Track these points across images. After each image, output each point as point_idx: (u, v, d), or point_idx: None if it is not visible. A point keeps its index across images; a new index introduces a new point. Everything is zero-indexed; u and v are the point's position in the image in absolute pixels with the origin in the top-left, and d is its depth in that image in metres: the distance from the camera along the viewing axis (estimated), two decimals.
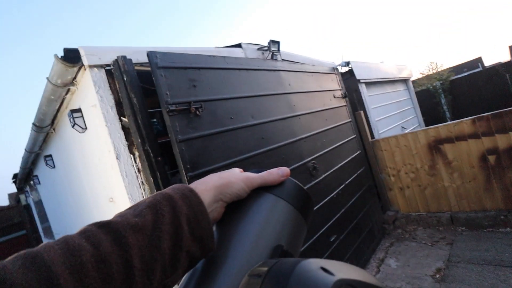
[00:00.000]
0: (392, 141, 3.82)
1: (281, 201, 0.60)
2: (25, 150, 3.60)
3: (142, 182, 1.76)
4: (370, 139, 3.97)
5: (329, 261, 0.46)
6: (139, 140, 1.73)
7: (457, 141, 3.43)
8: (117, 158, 1.76)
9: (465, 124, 3.35)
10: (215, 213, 0.44)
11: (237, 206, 0.62)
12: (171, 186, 0.40)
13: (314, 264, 0.44)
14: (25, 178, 5.21)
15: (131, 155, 1.76)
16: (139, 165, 1.76)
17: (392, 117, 5.03)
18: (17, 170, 5.16)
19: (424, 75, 11.82)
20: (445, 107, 8.50)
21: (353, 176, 3.48)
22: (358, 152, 3.77)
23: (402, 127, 5.20)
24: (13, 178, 5.69)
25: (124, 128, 1.79)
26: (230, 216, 0.60)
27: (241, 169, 0.51)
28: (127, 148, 1.77)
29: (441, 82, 8.62)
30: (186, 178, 1.69)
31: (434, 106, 8.61)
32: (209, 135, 1.91)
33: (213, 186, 0.43)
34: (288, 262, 0.46)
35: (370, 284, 0.45)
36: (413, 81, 6.83)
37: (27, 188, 6.02)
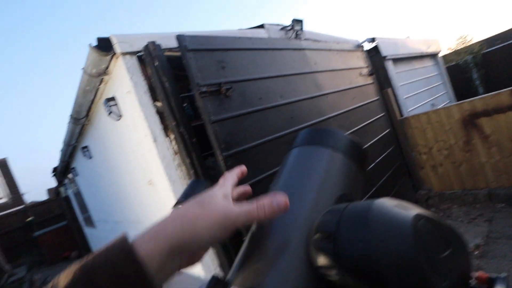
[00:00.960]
0: (423, 118, 3.68)
1: (338, 154, 0.61)
2: (63, 143, 3.81)
3: (179, 163, 1.82)
4: (399, 117, 3.85)
5: (400, 201, 0.46)
6: (174, 123, 1.78)
7: (495, 114, 3.24)
8: (154, 141, 1.83)
9: (503, 95, 3.15)
10: (171, 272, 0.33)
11: (294, 163, 0.63)
12: (109, 245, 0.29)
13: (389, 201, 0.45)
14: (63, 171, 5.54)
15: (167, 138, 1.82)
16: (175, 147, 1.82)
17: (421, 94, 4.82)
18: (56, 164, 5.48)
19: (452, 50, 11.17)
20: (477, 82, 8.01)
21: (383, 155, 3.40)
22: (387, 131, 3.67)
23: (432, 104, 4.98)
24: (53, 172, 6.07)
25: (158, 112, 1.85)
26: (289, 173, 0.61)
27: (227, 188, 0.41)
28: (162, 131, 1.83)
29: (472, 55, 8.11)
30: (221, 158, 1.73)
31: (465, 82, 8.16)
32: (240, 116, 1.93)
33: (167, 243, 0.31)
34: (361, 203, 0.47)
35: (442, 221, 0.45)
36: (441, 57, 6.48)
37: (66, 181, 6.40)
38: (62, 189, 7.74)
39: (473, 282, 0.56)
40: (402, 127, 3.85)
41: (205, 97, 1.77)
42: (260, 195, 0.42)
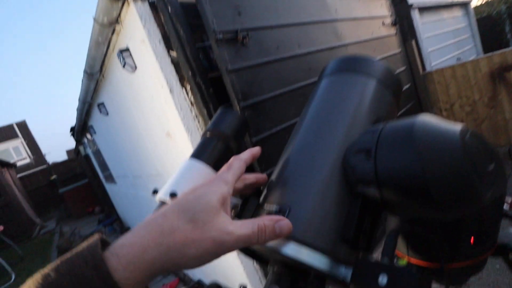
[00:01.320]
0: (448, 72, 3.48)
1: (372, 81, 0.57)
2: (79, 100, 3.85)
3: (196, 115, 1.81)
4: (421, 72, 3.66)
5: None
6: (190, 73, 1.74)
7: None
8: (170, 92, 1.81)
9: None
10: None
11: (326, 91, 0.60)
12: (80, 261, 0.25)
13: (431, 117, 0.42)
14: (81, 130, 5.68)
15: (183, 89, 1.80)
16: (192, 98, 1.80)
17: (447, 47, 4.52)
18: (73, 123, 5.61)
19: (484, 1, 10.25)
20: (509, 36, 7.42)
21: (401, 111, 3.30)
22: (407, 86, 3.52)
23: (458, 58, 4.68)
24: (70, 131, 6.24)
25: (174, 62, 1.80)
26: (321, 101, 0.58)
27: (227, 188, 0.35)
28: (178, 82, 1.80)
29: (507, 5, 7.42)
30: (238, 108, 1.71)
31: (497, 36, 7.58)
32: (257, 65, 1.86)
33: (148, 271, 0.27)
34: (402, 120, 0.44)
35: (485, 138, 0.43)
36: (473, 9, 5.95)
37: (85, 140, 6.60)
38: (81, 148, 8.03)
39: (506, 206, 0.56)
40: (424, 82, 3.67)
41: (221, 45, 1.70)
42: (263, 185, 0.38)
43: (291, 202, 0.41)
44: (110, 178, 5.85)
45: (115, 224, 7.43)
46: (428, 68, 3.91)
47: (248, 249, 0.50)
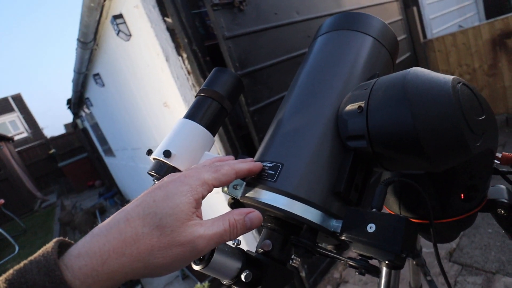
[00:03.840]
0: (448, 39, 3.41)
1: (369, 37, 0.57)
2: (74, 71, 3.77)
3: (193, 84, 1.80)
4: (422, 40, 3.58)
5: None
6: (186, 41, 1.70)
7: None
8: (166, 61, 1.78)
9: None
10: None
11: (322, 48, 0.60)
12: (35, 272, 0.22)
13: (423, 69, 0.42)
14: (78, 102, 5.61)
15: (180, 57, 1.77)
16: (188, 67, 1.77)
17: (449, 14, 4.39)
18: (70, 95, 5.53)
19: None
20: None
21: None
22: (407, 55, 3.46)
23: (460, 25, 4.57)
24: (67, 104, 6.16)
25: (169, 29, 1.76)
26: (317, 57, 0.58)
27: (201, 190, 0.32)
28: (174, 50, 1.76)
29: None
30: None
31: (501, 2, 7.31)
32: (254, 32, 1.82)
33: (109, 283, 0.24)
34: (394, 73, 0.45)
35: (477, 90, 0.43)
36: None
37: (82, 113, 6.54)
38: (79, 122, 7.98)
39: (496, 163, 0.57)
40: (424, 50, 3.61)
41: (217, 10, 1.65)
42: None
43: (284, 159, 0.42)
44: (109, 151, 5.88)
45: (115, 197, 7.55)
46: (429, 36, 3.83)
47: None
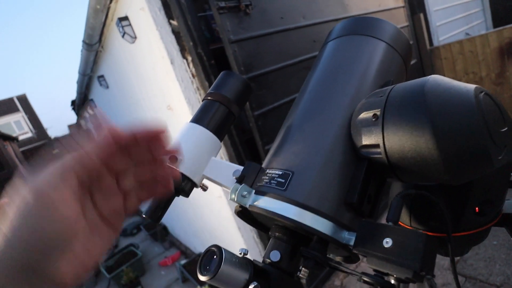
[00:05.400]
0: (455, 47, 3.38)
1: (382, 43, 0.55)
2: (79, 73, 3.78)
3: (197, 87, 1.78)
4: (428, 47, 3.56)
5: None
6: (191, 43, 1.69)
7: None
8: (171, 63, 1.77)
9: None
10: None
11: (333, 53, 0.58)
12: None
13: (443, 77, 0.40)
14: (82, 104, 5.63)
15: (184, 60, 1.76)
16: (193, 70, 1.76)
17: (456, 21, 4.37)
18: (74, 96, 5.55)
19: None
20: None
21: None
22: (413, 62, 3.44)
23: (466, 33, 4.54)
24: (71, 105, 6.19)
25: (175, 32, 1.75)
26: (327, 62, 0.56)
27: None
28: (179, 52, 1.75)
29: None
30: None
31: (508, 10, 7.29)
32: (260, 36, 1.81)
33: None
34: (412, 81, 0.42)
35: (498, 100, 0.41)
36: None
37: (86, 114, 6.55)
38: (83, 122, 8.00)
39: None
40: (430, 57, 3.58)
41: (223, 13, 1.64)
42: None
43: (294, 167, 0.41)
44: None
45: None
46: (435, 43, 3.81)
47: (249, 217, 0.50)
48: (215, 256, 0.35)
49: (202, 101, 0.53)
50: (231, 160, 1.88)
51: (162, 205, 0.45)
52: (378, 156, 0.39)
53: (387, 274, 0.32)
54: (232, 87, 0.52)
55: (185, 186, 0.46)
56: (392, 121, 0.38)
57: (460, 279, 2.02)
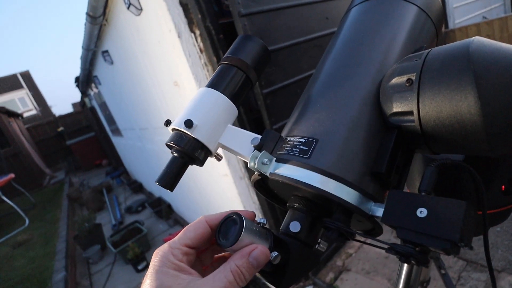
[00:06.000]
0: (472, 30, 3.26)
1: (413, 6, 0.51)
2: (82, 48, 3.72)
3: (205, 62, 1.73)
4: (443, 29, 3.43)
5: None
6: (199, 16, 1.62)
7: None
8: (178, 37, 1.71)
9: None
10: None
11: (358, 17, 0.54)
12: None
13: (487, 39, 0.37)
14: (86, 80, 5.59)
15: (192, 34, 1.70)
16: (201, 44, 1.71)
17: (473, 4, 4.19)
18: (78, 73, 5.50)
19: None
20: None
21: None
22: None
23: (484, 16, 4.37)
24: (75, 82, 6.15)
25: (182, 4, 1.68)
26: (352, 27, 0.53)
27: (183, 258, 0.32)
28: (187, 26, 1.69)
29: None
30: None
31: None
32: (271, 11, 1.74)
33: None
34: (452, 43, 0.39)
35: None
36: None
37: (90, 92, 6.53)
38: (87, 100, 7.99)
39: None
40: (445, 40, 3.46)
41: None
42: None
43: (318, 135, 0.38)
44: (116, 131, 5.89)
45: (122, 176, 7.66)
46: (451, 26, 3.67)
47: (265, 188, 0.48)
48: (235, 224, 0.33)
49: (218, 65, 0.50)
50: None
51: (175, 173, 0.43)
52: (411, 124, 0.37)
53: (420, 245, 0.30)
54: (250, 52, 0.49)
55: (199, 154, 0.43)
56: (430, 85, 0.35)
57: (461, 263, 2.04)
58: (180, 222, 4.08)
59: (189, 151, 0.42)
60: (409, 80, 0.37)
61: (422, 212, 0.30)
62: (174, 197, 4.01)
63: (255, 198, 1.96)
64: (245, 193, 1.95)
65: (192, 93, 1.89)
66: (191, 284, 0.28)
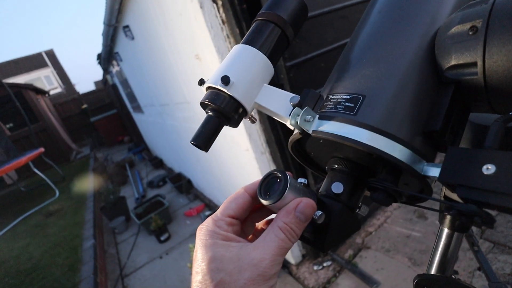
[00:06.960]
0: None
1: None
2: (104, 23, 3.73)
3: (227, 34, 1.69)
4: None
5: None
6: None
7: None
8: (200, 8, 1.66)
9: None
10: None
11: None
12: None
13: None
14: (108, 57, 5.65)
15: (214, 4, 1.64)
16: (223, 15, 1.65)
17: None
18: (100, 50, 5.56)
19: None
20: None
21: None
22: None
23: None
24: (97, 59, 6.24)
25: None
26: None
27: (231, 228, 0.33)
28: None
29: None
30: None
31: None
32: None
33: None
34: None
35: None
36: None
37: (111, 69, 6.62)
38: (108, 77, 8.13)
39: None
40: None
41: None
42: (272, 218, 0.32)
43: (366, 90, 0.36)
44: (137, 108, 6.00)
45: (143, 152, 7.89)
46: None
47: (301, 151, 0.46)
48: (278, 181, 0.32)
49: (253, 22, 0.47)
50: (259, 116, 1.84)
51: (210, 133, 0.42)
52: (473, 77, 0.33)
53: (486, 205, 0.27)
54: (288, 7, 0.46)
55: (235, 114, 0.42)
56: (499, 32, 0.31)
57: (488, 245, 1.99)
58: (200, 197, 4.19)
59: (225, 109, 0.40)
60: (473, 27, 0.33)
61: (489, 169, 0.27)
62: (194, 173, 4.09)
63: None
64: (266, 168, 1.95)
65: (214, 67, 1.86)
66: (243, 249, 0.28)
